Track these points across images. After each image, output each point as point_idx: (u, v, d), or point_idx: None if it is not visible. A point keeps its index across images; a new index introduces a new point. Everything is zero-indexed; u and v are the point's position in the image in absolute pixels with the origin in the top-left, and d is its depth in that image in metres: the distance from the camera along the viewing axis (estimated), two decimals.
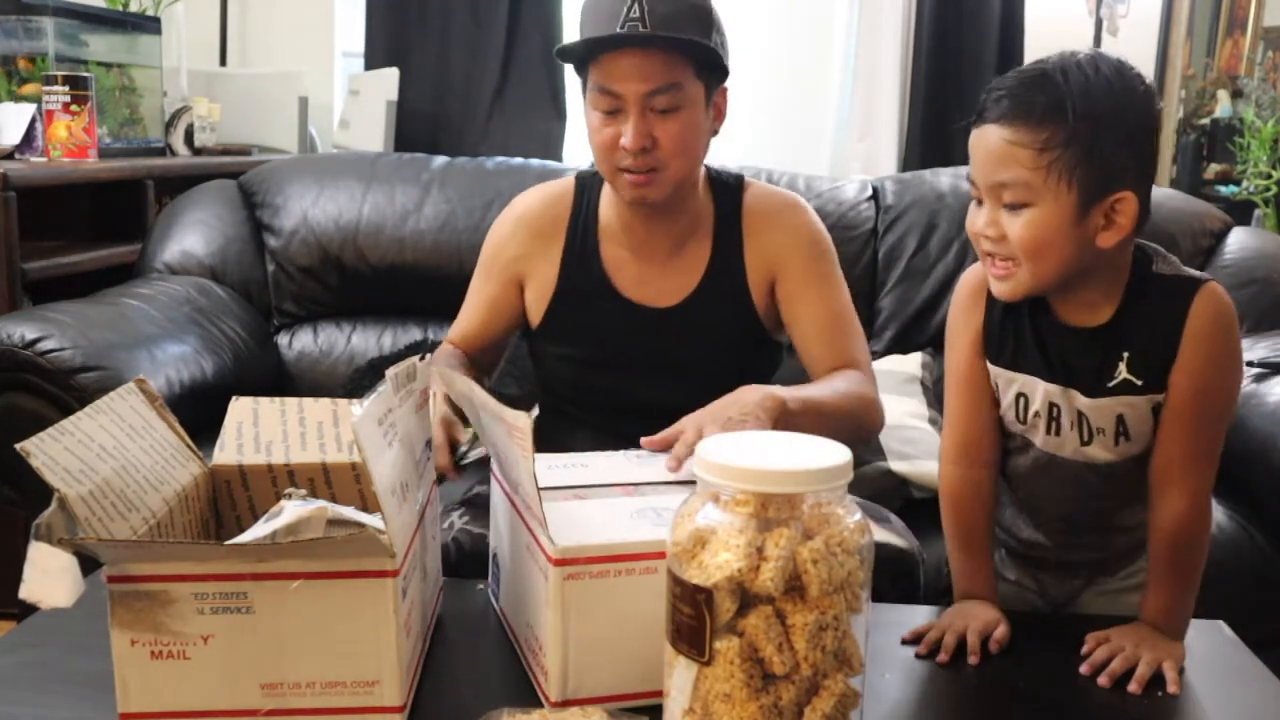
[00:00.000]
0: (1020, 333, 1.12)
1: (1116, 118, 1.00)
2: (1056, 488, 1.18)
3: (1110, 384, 1.08)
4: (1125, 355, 1.07)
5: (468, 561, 1.29)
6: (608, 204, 1.49)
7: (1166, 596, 1.09)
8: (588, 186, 1.52)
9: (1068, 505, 1.19)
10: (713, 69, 1.38)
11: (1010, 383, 1.14)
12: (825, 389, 1.36)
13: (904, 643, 1.09)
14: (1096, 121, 0.99)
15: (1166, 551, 1.09)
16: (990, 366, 1.15)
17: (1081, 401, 1.10)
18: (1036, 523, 1.23)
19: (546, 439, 1.62)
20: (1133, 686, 1.01)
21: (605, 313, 1.48)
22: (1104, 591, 1.24)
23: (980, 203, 1.06)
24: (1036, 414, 1.13)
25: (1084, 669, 1.04)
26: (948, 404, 1.20)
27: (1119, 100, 1.00)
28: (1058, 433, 1.13)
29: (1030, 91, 1.00)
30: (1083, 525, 1.21)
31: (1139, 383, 1.07)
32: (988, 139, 1.02)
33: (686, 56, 1.33)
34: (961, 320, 1.17)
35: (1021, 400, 1.14)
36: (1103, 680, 1.02)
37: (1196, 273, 1.08)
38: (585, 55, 1.35)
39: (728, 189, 1.50)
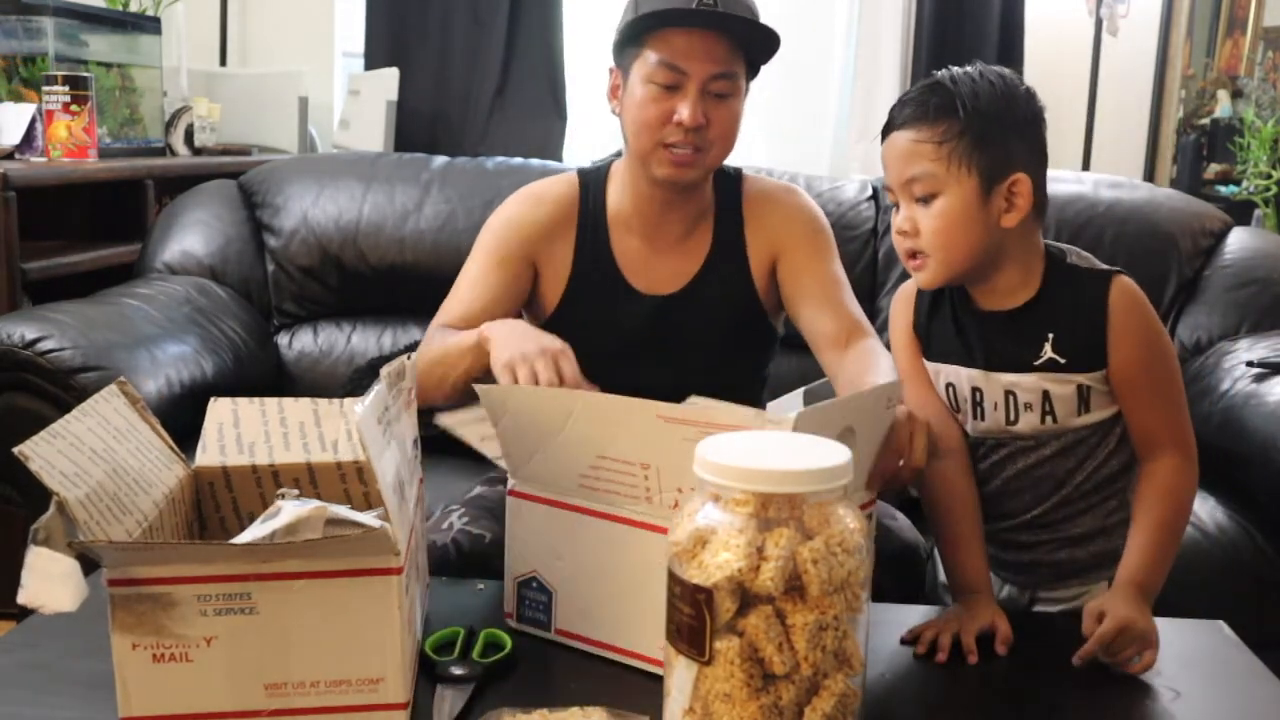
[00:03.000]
0: (943, 326, 1.24)
1: (1002, 110, 1.13)
2: (997, 474, 1.23)
3: (1036, 362, 1.17)
4: (1050, 336, 1.16)
5: (467, 562, 1.29)
6: (617, 193, 1.49)
7: (1153, 552, 1.14)
8: (592, 181, 1.51)
9: (1012, 497, 1.24)
10: (754, 70, 1.41)
11: (937, 374, 1.24)
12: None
13: (903, 642, 1.09)
14: (984, 114, 1.12)
15: (1159, 505, 1.15)
16: (926, 362, 1.26)
17: (1008, 378, 1.18)
18: (984, 514, 1.25)
19: None
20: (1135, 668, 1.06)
21: (615, 304, 1.48)
22: (1047, 601, 1.27)
23: (897, 207, 1.17)
24: (965, 400, 1.22)
25: (1088, 654, 1.05)
26: (910, 404, 1.25)
27: (1004, 97, 1.14)
28: (983, 417, 1.22)
29: (926, 96, 1.14)
30: (1025, 521, 1.24)
31: (1063, 361, 1.16)
32: (895, 143, 1.16)
33: (742, 50, 1.36)
34: (897, 322, 1.29)
35: (951, 389, 1.24)
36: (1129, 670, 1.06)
37: (1107, 266, 1.19)
38: (650, 28, 1.34)
39: (728, 179, 1.52)
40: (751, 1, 1.37)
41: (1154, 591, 1.13)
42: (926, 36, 3.15)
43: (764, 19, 1.37)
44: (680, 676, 0.78)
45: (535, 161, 2.50)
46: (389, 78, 3.09)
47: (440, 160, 2.44)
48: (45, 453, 0.81)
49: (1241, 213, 2.93)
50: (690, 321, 1.48)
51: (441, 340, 1.35)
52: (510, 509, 1.09)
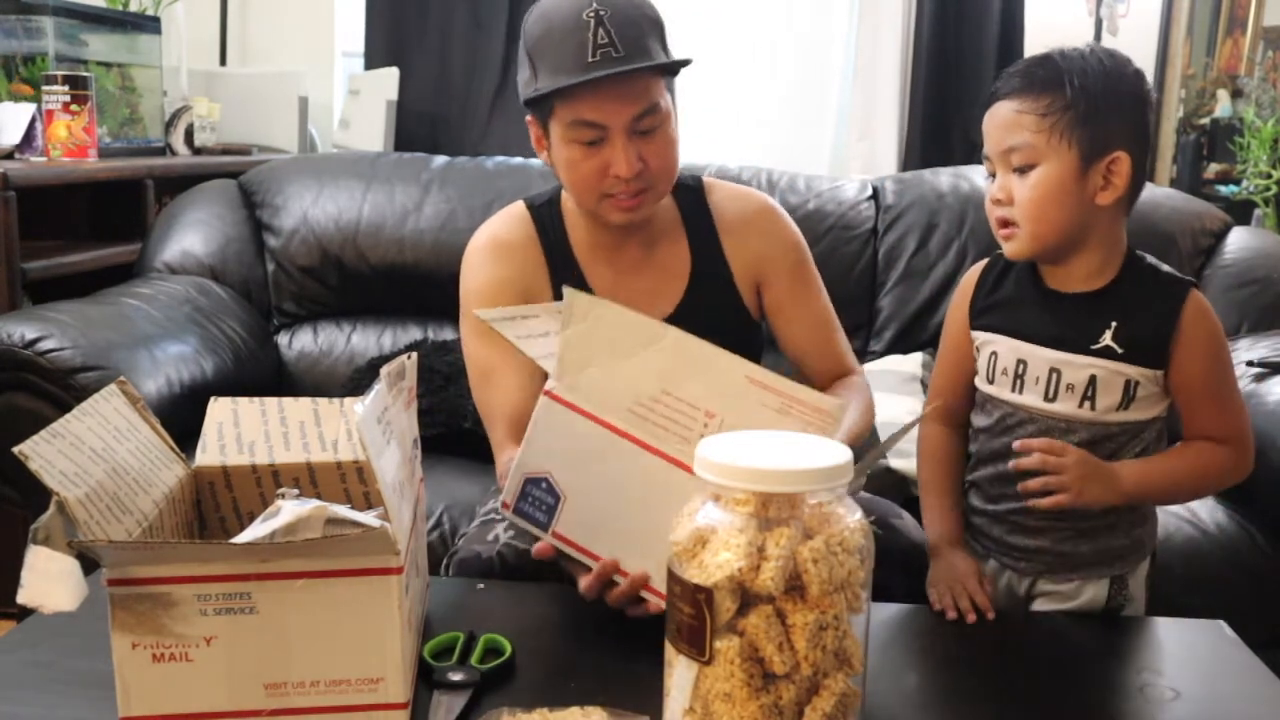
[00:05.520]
0: (1004, 299, 1.26)
1: (1109, 89, 1.15)
2: (1019, 453, 1.22)
3: (1092, 346, 1.18)
4: (1113, 324, 1.18)
5: (510, 577, 1.27)
6: (574, 225, 1.44)
7: (1156, 472, 1.20)
8: (545, 215, 1.46)
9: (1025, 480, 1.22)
10: (673, 75, 1.36)
11: (984, 344, 1.27)
12: (855, 414, 1.37)
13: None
14: (1090, 91, 1.14)
15: (1190, 457, 1.20)
16: (973, 333, 1.28)
17: (1058, 355, 1.20)
18: (996, 495, 1.27)
19: None
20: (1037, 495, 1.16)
21: None
22: (1048, 595, 1.27)
23: (994, 176, 1.20)
24: (1004, 371, 1.24)
25: (1022, 461, 1.16)
26: (935, 373, 1.36)
27: (1110, 75, 1.15)
28: (1021, 390, 1.23)
29: (1035, 69, 1.17)
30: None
31: (1120, 351, 1.17)
32: (998, 112, 1.18)
33: (657, 74, 1.30)
34: (958, 299, 1.32)
35: (993, 358, 1.25)
36: (1033, 483, 1.16)
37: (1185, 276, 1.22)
38: (555, 93, 1.28)
39: (688, 190, 1.47)
40: (643, 13, 1.29)
41: (1124, 494, 1.17)
42: (926, 36, 3.15)
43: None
44: (680, 676, 0.78)
45: (535, 161, 2.50)
46: (389, 78, 3.09)
47: (440, 160, 2.44)
48: (45, 452, 0.81)
49: (1241, 212, 2.93)
50: None
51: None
52: (542, 408, 1.08)
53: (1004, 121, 1.17)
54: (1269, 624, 1.54)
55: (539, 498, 1.08)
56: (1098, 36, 3.19)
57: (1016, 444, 1.18)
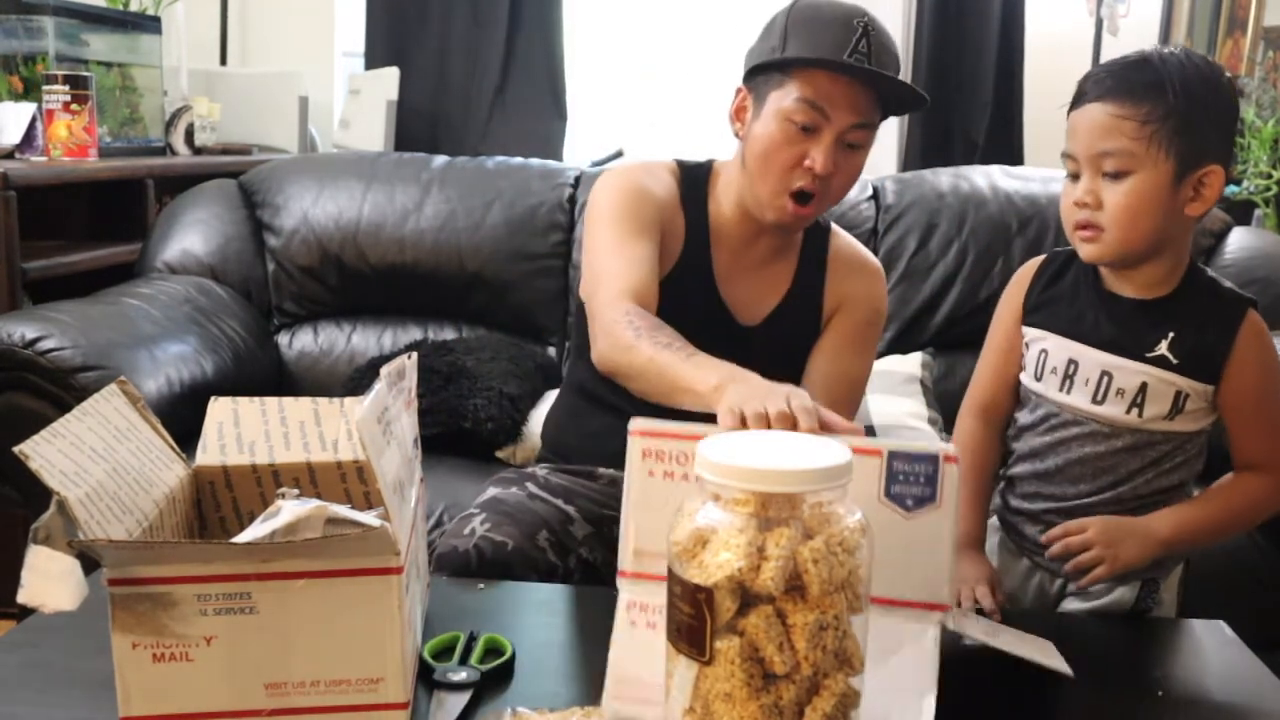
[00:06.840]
0: (1060, 296, 1.25)
1: (1207, 98, 1.12)
2: (1060, 453, 1.23)
3: (1148, 354, 1.17)
4: (1171, 334, 1.17)
5: (487, 570, 1.28)
6: (717, 202, 1.47)
7: (1192, 520, 1.19)
8: (695, 177, 1.48)
9: (1066, 480, 1.23)
10: (896, 115, 1.41)
11: (1036, 339, 1.25)
12: None
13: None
14: (1191, 100, 1.10)
15: (1230, 495, 1.21)
16: (1024, 328, 1.27)
17: (1111, 359, 1.19)
18: (1032, 493, 1.27)
19: (564, 421, 1.59)
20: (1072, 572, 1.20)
21: (701, 313, 1.42)
22: (1077, 596, 1.26)
23: (1075, 178, 1.17)
24: (1053, 370, 1.23)
25: (1050, 552, 1.20)
26: (979, 367, 1.33)
27: (1209, 84, 1.13)
28: (1069, 390, 1.22)
29: (1132, 72, 1.13)
30: (1071, 508, 1.24)
31: (1174, 361, 1.17)
32: (1091, 115, 1.14)
33: (880, 103, 1.35)
34: (1012, 293, 1.30)
35: (1043, 355, 1.23)
36: (1066, 568, 1.20)
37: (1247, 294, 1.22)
38: (792, 65, 1.31)
39: (817, 226, 1.50)
40: (896, 52, 1.35)
41: (1161, 544, 1.17)
42: (926, 36, 3.15)
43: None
44: (680, 676, 0.78)
45: (535, 161, 2.50)
46: (389, 78, 3.09)
47: (440, 160, 2.44)
48: (45, 452, 0.81)
49: (1241, 213, 2.93)
50: (766, 354, 1.39)
51: (668, 346, 1.18)
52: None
53: (1098, 125, 1.13)
54: (1269, 624, 1.54)
55: (912, 473, 0.89)
56: (1098, 36, 3.18)
57: (1042, 538, 1.20)
